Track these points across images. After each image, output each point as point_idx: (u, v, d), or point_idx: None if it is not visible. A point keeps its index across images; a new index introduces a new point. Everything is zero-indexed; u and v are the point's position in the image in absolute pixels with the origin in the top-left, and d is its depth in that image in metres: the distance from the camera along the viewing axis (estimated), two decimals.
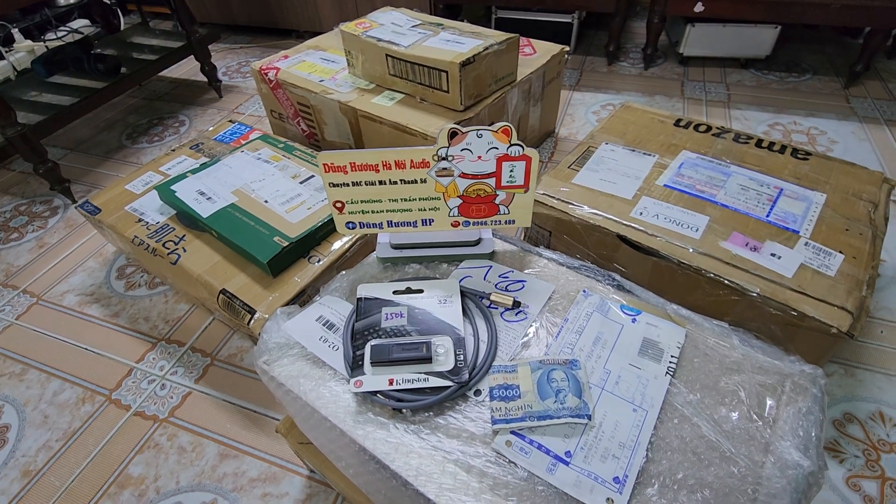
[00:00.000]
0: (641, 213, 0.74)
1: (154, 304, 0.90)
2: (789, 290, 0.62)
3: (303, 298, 0.70)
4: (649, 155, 0.85)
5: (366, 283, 0.50)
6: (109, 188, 0.90)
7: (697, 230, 0.70)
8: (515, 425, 0.39)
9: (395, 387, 0.41)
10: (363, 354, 0.43)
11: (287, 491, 0.63)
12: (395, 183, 0.50)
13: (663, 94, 1.38)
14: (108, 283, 0.95)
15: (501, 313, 0.48)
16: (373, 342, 0.44)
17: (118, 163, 1.29)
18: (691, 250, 0.68)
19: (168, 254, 0.75)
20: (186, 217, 0.80)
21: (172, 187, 0.82)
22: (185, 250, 0.76)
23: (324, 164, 0.48)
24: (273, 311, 0.66)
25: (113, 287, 0.94)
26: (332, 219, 0.76)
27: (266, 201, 0.79)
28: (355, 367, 0.43)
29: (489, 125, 0.46)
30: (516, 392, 0.41)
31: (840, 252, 0.66)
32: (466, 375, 0.41)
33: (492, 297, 0.48)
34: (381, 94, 0.97)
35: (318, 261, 0.73)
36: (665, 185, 0.79)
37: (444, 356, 0.42)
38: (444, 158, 0.48)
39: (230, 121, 1.06)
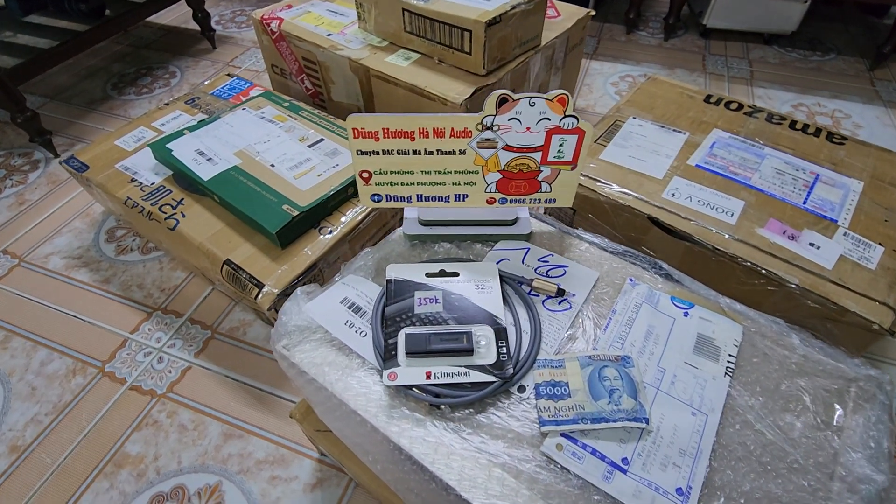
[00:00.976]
0: (674, 195, 0.70)
1: (148, 270, 0.85)
2: (829, 283, 0.59)
3: (314, 272, 0.65)
4: (679, 132, 0.81)
5: (394, 263, 0.46)
6: (97, 143, 0.83)
7: (733, 215, 0.67)
8: (567, 427, 0.35)
9: (432, 381, 0.37)
10: (396, 343, 0.39)
11: (297, 474, 0.60)
12: (431, 153, 0.45)
13: (684, 68, 1.32)
14: (96, 246, 0.89)
15: (543, 301, 0.44)
16: (407, 330, 0.40)
17: (103, 115, 1.20)
18: (727, 236, 0.64)
19: (165, 218, 0.70)
20: (184, 178, 0.74)
21: (168, 145, 0.76)
22: (184, 215, 0.70)
23: (353, 130, 0.43)
24: (283, 286, 0.62)
25: (102, 251, 0.88)
26: (344, 188, 0.71)
27: (272, 165, 0.73)
28: (388, 357, 0.39)
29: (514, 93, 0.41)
30: (565, 390, 0.37)
31: (880, 244, 0.64)
32: (511, 370, 0.38)
33: (534, 284, 0.44)
34: (395, 53, 0.90)
35: (330, 232, 0.68)
36: (697, 165, 0.74)
37: (486, 348, 0.39)
38: (488, 128, 0.43)
39: (228, 74, 0.98)
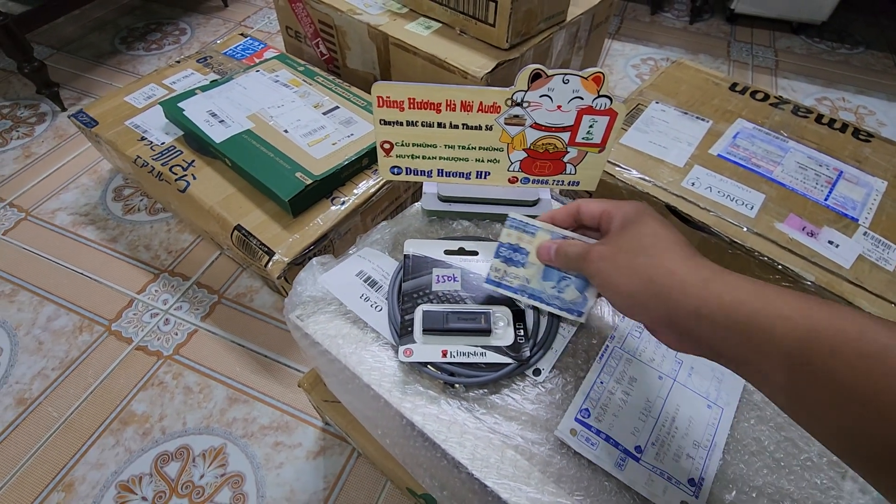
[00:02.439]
0: (693, 184, 0.68)
1: (155, 231, 0.84)
2: (846, 282, 0.58)
3: (324, 243, 0.65)
4: (703, 120, 0.79)
5: (412, 238, 0.45)
6: (106, 98, 0.81)
7: (752, 208, 0.66)
8: (506, 293, 0.38)
9: (448, 359, 0.37)
10: (412, 320, 0.39)
11: (300, 441, 0.61)
12: (457, 127, 0.43)
13: (708, 54, 1.28)
14: (103, 203, 0.88)
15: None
16: (425, 307, 0.39)
17: (111, 70, 1.17)
18: (745, 229, 0.63)
19: (176, 180, 0.68)
20: (195, 140, 0.72)
21: (180, 104, 0.74)
22: (195, 178, 0.69)
23: (378, 97, 0.41)
24: (293, 255, 0.61)
25: (109, 209, 0.87)
26: (358, 158, 0.69)
27: (286, 131, 0.71)
28: (404, 333, 0.38)
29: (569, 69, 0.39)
30: (523, 259, 0.38)
31: None
32: (527, 353, 0.37)
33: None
34: (415, 21, 0.87)
35: (343, 203, 0.67)
36: (719, 155, 0.73)
37: (503, 329, 0.38)
38: (518, 104, 0.41)
39: (241, 34, 0.95)
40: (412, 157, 0.46)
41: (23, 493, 0.57)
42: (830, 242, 0.63)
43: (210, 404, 0.64)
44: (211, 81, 0.81)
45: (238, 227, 0.64)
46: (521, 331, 0.38)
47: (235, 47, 0.93)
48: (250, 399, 0.64)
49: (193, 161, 0.71)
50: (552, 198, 0.51)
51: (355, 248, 0.47)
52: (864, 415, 0.19)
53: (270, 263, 0.61)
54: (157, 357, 0.68)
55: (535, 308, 0.39)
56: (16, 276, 0.77)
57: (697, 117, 0.79)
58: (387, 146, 0.45)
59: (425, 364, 0.37)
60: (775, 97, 0.84)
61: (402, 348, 0.37)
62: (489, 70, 0.78)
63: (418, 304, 0.39)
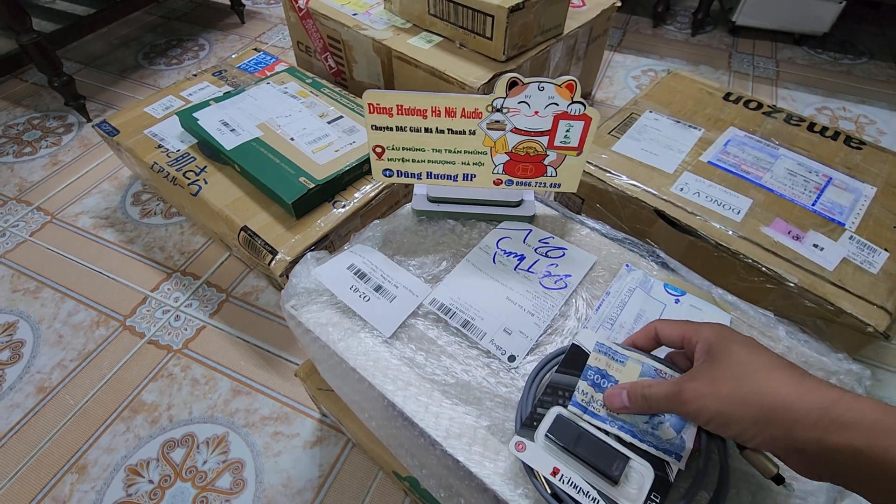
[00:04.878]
0: (682, 189, 0.70)
1: (170, 234, 0.89)
2: (828, 284, 0.60)
3: (325, 244, 0.68)
4: (695, 128, 0.81)
5: (586, 330, 0.39)
6: (127, 109, 0.86)
7: (739, 212, 0.68)
8: (591, 420, 0.33)
9: (556, 480, 0.32)
10: (542, 416, 0.34)
11: (298, 432, 0.64)
12: (442, 132, 0.47)
13: (709, 65, 1.30)
14: (122, 208, 0.93)
15: (540, 279, 0.46)
16: (560, 411, 0.34)
17: (134, 83, 1.24)
18: (730, 233, 0.65)
19: (189, 184, 0.73)
20: (208, 147, 0.77)
21: (195, 114, 0.79)
22: (206, 182, 0.73)
23: (368, 105, 0.45)
24: (295, 254, 0.65)
25: (128, 213, 0.92)
26: (359, 164, 0.73)
27: (292, 139, 0.75)
28: (527, 423, 0.34)
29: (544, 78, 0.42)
30: (612, 385, 0.34)
31: (885, 250, 0.64)
32: None
33: (746, 454, 0.31)
34: (417, 35, 0.91)
35: (344, 206, 0.70)
36: (709, 162, 0.75)
37: (636, 489, 0.31)
38: (498, 110, 0.44)
39: (255, 49, 1.00)
40: (402, 161, 0.49)
41: (40, 473, 0.61)
42: (815, 246, 0.64)
43: (215, 395, 0.67)
44: (224, 93, 0.86)
45: (244, 228, 0.68)
46: (658, 502, 0.31)
47: (249, 61, 0.98)
48: (252, 391, 0.68)
49: (206, 167, 0.76)
50: (536, 200, 0.54)
51: (349, 244, 0.50)
52: None
53: (273, 262, 0.65)
54: (167, 351, 0.72)
55: (662, 469, 0.32)
56: (40, 275, 0.82)
57: (690, 126, 0.82)
58: (378, 150, 0.49)
59: (532, 469, 0.32)
60: (769, 106, 0.86)
61: (516, 439, 0.33)
62: (485, 81, 0.82)
63: (558, 404, 0.34)
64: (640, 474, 0.31)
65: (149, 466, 0.61)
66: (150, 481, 0.60)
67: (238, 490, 0.59)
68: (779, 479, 0.31)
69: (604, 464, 0.31)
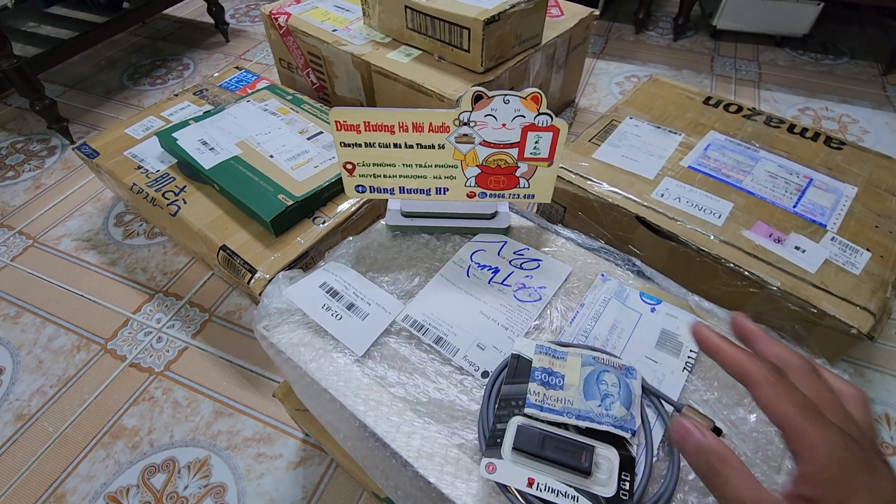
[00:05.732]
0: (663, 195, 0.70)
1: (152, 254, 0.88)
2: (811, 286, 0.59)
3: (305, 261, 0.68)
4: (675, 133, 0.81)
5: (522, 338, 0.41)
6: (108, 131, 0.86)
7: (720, 217, 0.67)
8: (550, 416, 0.34)
9: (534, 490, 0.32)
10: (504, 430, 0.34)
11: (281, 452, 0.63)
12: (412, 147, 0.46)
13: (691, 69, 1.31)
14: (105, 230, 0.93)
15: (514, 292, 0.45)
16: (520, 421, 0.34)
17: (119, 104, 1.24)
18: (712, 237, 0.65)
19: (168, 204, 0.73)
20: (188, 167, 0.77)
21: (174, 134, 0.78)
22: (185, 202, 0.73)
23: (336, 122, 0.45)
24: (274, 272, 0.64)
25: (111, 234, 0.92)
26: (339, 179, 0.73)
27: (271, 156, 0.75)
28: (492, 443, 0.34)
29: (512, 90, 0.42)
30: (559, 382, 0.36)
31: (867, 250, 0.64)
32: None
33: (685, 411, 0.35)
34: (396, 50, 0.92)
35: (323, 222, 0.70)
36: (689, 167, 0.75)
37: (607, 475, 0.32)
38: (465, 124, 0.44)
39: (237, 67, 1.01)
40: (374, 177, 0.49)
41: None
42: (797, 248, 0.64)
43: (197, 417, 0.66)
44: (205, 112, 0.86)
45: (223, 248, 0.67)
46: (628, 483, 0.32)
47: (230, 80, 0.98)
48: (235, 412, 0.67)
49: (185, 187, 0.75)
50: (512, 212, 0.54)
51: (323, 262, 0.50)
52: None
53: (253, 281, 0.64)
54: (148, 373, 0.71)
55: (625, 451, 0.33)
56: (21, 300, 0.81)
57: (670, 131, 0.82)
58: (349, 166, 0.48)
59: (506, 487, 0.32)
60: (749, 109, 0.86)
61: (485, 461, 0.33)
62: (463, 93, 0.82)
63: (515, 414, 0.35)
64: (607, 458, 0.33)
65: (129, 493, 0.60)
66: None
67: None
68: (717, 431, 0.34)
69: (572, 459, 0.32)
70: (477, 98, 0.43)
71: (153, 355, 0.73)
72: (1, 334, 0.77)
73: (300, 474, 0.61)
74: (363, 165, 0.48)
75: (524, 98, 0.43)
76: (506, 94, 0.42)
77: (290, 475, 0.61)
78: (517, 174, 0.48)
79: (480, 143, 0.46)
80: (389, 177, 0.49)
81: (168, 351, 0.74)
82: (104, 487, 0.61)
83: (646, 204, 0.69)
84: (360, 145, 0.46)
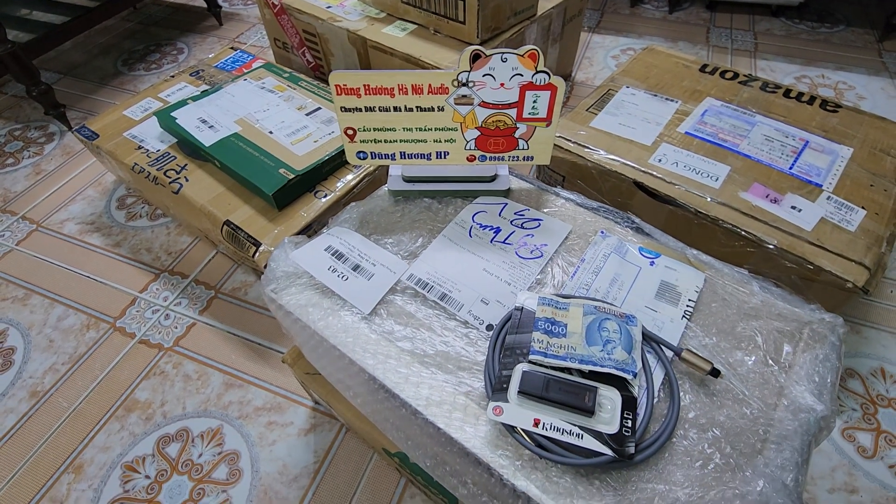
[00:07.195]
0: (660, 160, 0.71)
1: (156, 235, 0.89)
2: (807, 244, 0.60)
3: (308, 233, 0.68)
4: (672, 101, 0.82)
5: (527, 292, 0.42)
6: (107, 113, 0.86)
7: (717, 179, 0.68)
8: (553, 362, 0.35)
9: (540, 430, 0.33)
10: (510, 377, 0.36)
11: (292, 420, 0.64)
12: (411, 110, 0.47)
13: (687, 41, 1.31)
14: (108, 212, 0.93)
15: (516, 250, 0.46)
16: (525, 367, 0.36)
17: (115, 90, 1.24)
18: (709, 199, 0.66)
19: (170, 183, 0.73)
20: (188, 145, 0.77)
21: (173, 114, 0.79)
22: (187, 180, 0.73)
23: (336, 86, 0.45)
24: (278, 244, 0.65)
25: (113, 217, 0.92)
26: (339, 153, 0.73)
27: (271, 132, 0.76)
28: (498, 388, 0.35)
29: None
30: (563, 330, 0.37)
31: (862, 207, 0.65)
32: (632, 449, 0.32)
33: (683, 355, 0.37)
34: (392, 24, 0.91)
35: (325, 196, 0.71)
36: (686, 133, 0.75)
37: (610, 414, 0.34)
38: (464, 84, 0.45)
39: (232, 48, 1.00)
40: (375, 142, 0.50)
41: (36, 475, 0.61)
42: (793, 207, 0.65)
43: (208, 390, 0.68)
44: (202, 91, 0.86)
45: (227, 222, 0.68)
46: (630, 422, 0.33)
47: (226, 60, 0.98)
48: (245, 384, 0.68)
49: (186, 165, 0.76)
50: (511, 175, 0.55)
51: (327, 228, 0.50)
52: None
53: (257, 254, 0.65)
54: (158, 349, 0.73)
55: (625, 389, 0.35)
56: (28, 282, 0.82)
57: (667, 98, 0.82)
58: (350, 132, 0.49)
59: (514, 427, 0.34)
60: (745, 75, 0.87)
61: (492, 405, 0.35)
62: None
63: (520, 362, 0.36)
64: (610, 399, 0.34)
65: (145, 462, 0.62)
66: (147, 476, 0.61)
67: (234, 480, 0.60)
68: (715, 373, 0.36)
69: (576, 399, 0.34)
70: (475, 58, 0.43)
71: (161, 332, 0.75)
72: (11, 316, 0.78)
73: (311, 440, 0.62)
74: (364, 130, 0.49)
75: (522, 56, 0.43)
76: (503, 52, 0.43)
77: (302, 441, 0.62)
78: (516, 136, 0.49)
79: (479, 105, 0.46)
80: (390, 142, 0.49)
81: (176, 327, 0.75)
82: (120, 457, 0.62)
83: (644, 169, 0.70)
84: (361, 109, 0.47)
